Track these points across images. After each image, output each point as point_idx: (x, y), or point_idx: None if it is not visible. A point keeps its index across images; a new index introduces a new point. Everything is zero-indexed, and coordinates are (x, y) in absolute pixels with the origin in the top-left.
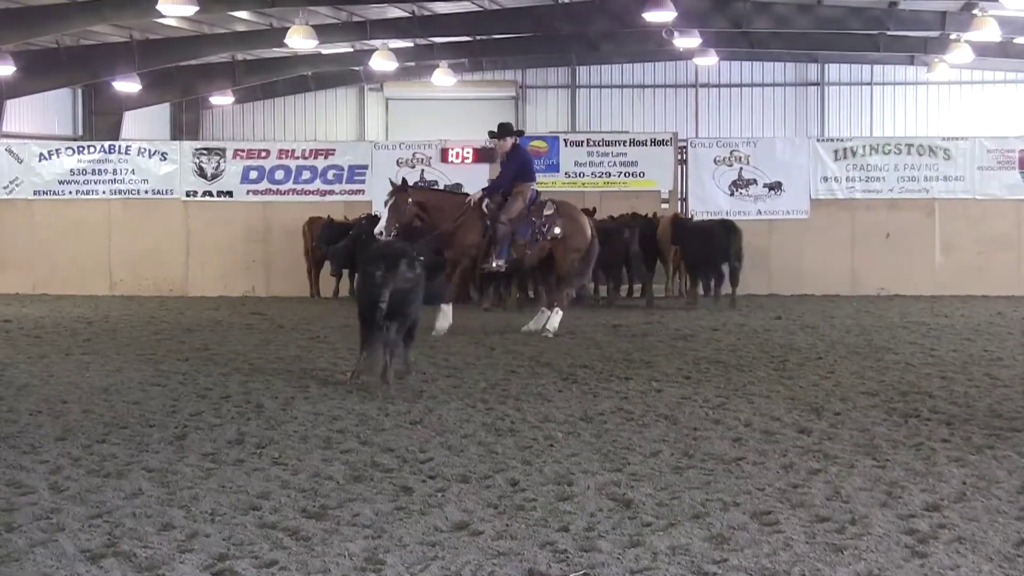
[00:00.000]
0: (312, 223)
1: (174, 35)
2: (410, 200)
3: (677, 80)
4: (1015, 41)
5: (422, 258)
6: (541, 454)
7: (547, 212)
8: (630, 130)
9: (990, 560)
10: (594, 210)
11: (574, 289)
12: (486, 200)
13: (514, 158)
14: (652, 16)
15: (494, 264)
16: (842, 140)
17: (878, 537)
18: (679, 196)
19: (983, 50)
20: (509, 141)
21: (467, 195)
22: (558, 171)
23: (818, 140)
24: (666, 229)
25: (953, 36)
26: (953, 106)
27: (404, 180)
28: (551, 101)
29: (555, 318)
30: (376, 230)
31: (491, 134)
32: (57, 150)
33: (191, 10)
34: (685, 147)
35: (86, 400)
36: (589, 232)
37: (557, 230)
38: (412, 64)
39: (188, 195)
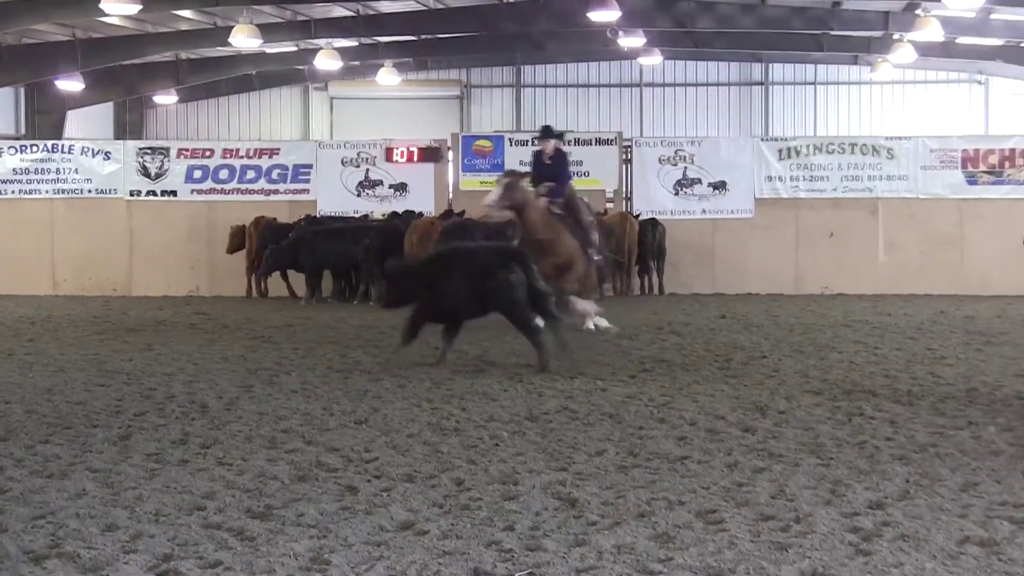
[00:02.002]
0: (258, 223)
1: (117, 34)
2: (522, 186)
3: (622, 79)
4: (957, 41)
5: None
6: (486, 453)
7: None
8: (575, 129)
9: (933, 558)
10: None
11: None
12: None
13: (562, 160)
14: (596, 15)
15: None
16: (786, 139)
17: (822, 535)
18: (624, 195)
19: (926, 50)
20: (552, 143)
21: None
22: (503, 170)
23: (762, 140)
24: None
25: (896, 36)
26: (896, 106)
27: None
28: (496, 100)
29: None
30: (486, 201)
31: (535, 138)
32: None
33: (134, 9)
34: (630, 146)
35: (29, 400)
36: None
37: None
38: (357, 63)
39: (132, 194)
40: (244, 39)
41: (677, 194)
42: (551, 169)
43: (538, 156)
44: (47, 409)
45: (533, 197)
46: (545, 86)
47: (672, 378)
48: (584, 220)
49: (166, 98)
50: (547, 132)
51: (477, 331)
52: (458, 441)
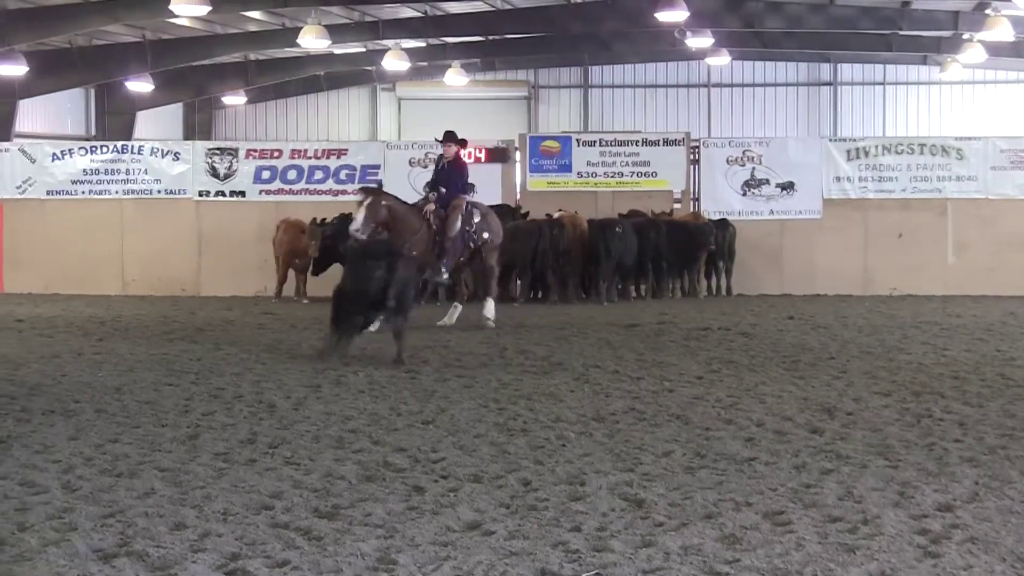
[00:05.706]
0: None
1: (187, 35)
2: (383, 203)
3: (689, 80)
4: None
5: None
6: (553, 454)
7: (476, 220)
8: (642, 130)
9: (1003, 560)
10: (526, 214)
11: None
12: (434, 212)
13: (460, 168)
14: (664, 16)
15: (444, 277)
16: (855, 140)
17: (890, 537)
18: (692, 196)
19: (996, 50)
20: (454, 148)
21: (422, 207)
22: (571, 171)
23: (831, 140)
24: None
25: (966, 36)
26: (966, 106)
27: (379, 183)
28: (564, 101)
29: (490, 306)
30: (352, 227)
31: (437, 140)
32: (70, 150)
33: (204, 10)
34: (698, 147)
35: (99, 399)
36: (502, 233)
37: (486, 235)
38: (424, 64)
39: (200, 195)
40: (312, 40)
41: (745, 195)
42: (449, 175)
43: (439, 160)
44: (116, 408)
45: (397, 204)
46: (613, 87)
47: (739, 379)
48: (447, 232)
49: (235, 99)
50: (449, 137)
51: (542, 330)
52: (525, 442)
